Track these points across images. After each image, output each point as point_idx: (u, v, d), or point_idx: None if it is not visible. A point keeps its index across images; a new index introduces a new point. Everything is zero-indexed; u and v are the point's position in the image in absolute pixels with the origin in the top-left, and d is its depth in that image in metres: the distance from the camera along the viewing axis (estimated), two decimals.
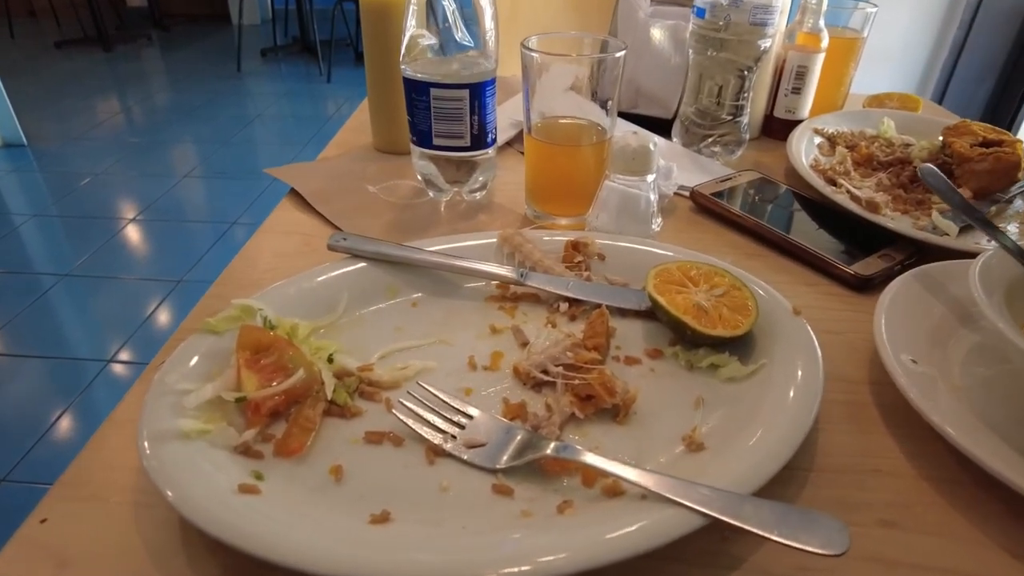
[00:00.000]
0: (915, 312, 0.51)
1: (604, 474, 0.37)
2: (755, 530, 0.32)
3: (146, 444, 0.37)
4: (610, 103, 0.61)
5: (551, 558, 0.31)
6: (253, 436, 0.40)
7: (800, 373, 0.44)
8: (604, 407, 0.43)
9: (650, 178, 0.58)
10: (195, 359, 0.44)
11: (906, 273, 0.54)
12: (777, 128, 0.91)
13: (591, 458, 0.37)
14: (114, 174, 2.95)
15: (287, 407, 0.42)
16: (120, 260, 2.33)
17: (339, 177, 0.74)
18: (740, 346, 0.48)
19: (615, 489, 0.37)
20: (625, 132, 0.58)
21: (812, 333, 0.47)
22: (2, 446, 1.58)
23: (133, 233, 2.51)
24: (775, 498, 0.35)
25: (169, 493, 0.34)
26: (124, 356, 1.87)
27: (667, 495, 0.34)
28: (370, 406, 0.43)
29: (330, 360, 0.45)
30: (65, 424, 1.65)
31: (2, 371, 1.81)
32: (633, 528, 0.33)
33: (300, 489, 0.37)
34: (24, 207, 2.67)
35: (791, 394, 0.42)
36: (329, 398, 0.42)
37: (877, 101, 0.98)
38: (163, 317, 2.05)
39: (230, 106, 3.82)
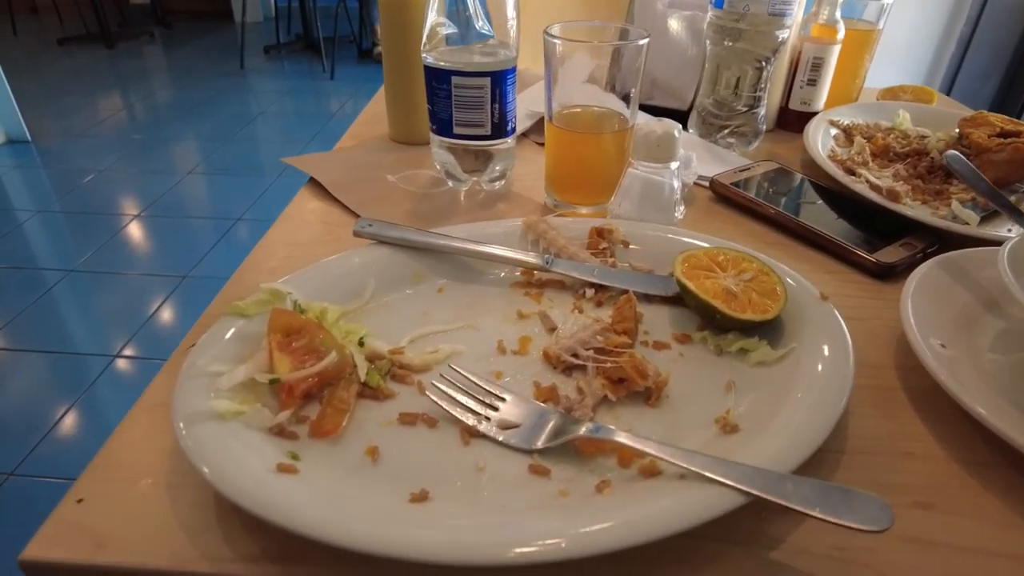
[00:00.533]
0: (941, 298, 0.51)
1: (641, 454, 0.37)
2: (798, 507, 0.32)
3: (181, 424, 0.37)
4: (632, 92, 0.61)
5: (590, 529, 0.31)
6: (288, 417, 0.40)
7: (830, 355, 0.44)
8: (636, 390, 0.42)
9: (674, 165, 0.58)
10: (226, 341, 0.44)
11: (931, 260, 0.54)
12: (792, 120, 0.91)
13: (627, 437, 0.37)
14: (117, 171, 2.94)
15: (320, 389, 0.42)
16: (124, 256, 2.33)
17: (357, 167, 0.74)
18: (769, 331, 0.48)
19: (652, 469, 0.37)
20: (649, 119, 0.58)
21: (840, 317, 0.47)
22: (8, 441, 1.58)
23: (137, 230, 2.51)
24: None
25: (206, 470, 0.34)
26: (129, 352, 1.87)
27: (706, 473, 0.34)
28: (402, 388, 0.43)
29: (361, 343, 0.45)
30: (70, 419, 1.65)
31: (7, 366, 1.81)
32: (673, 506, 0.33)
33: (337, 469, 0.37)
34: (28, 203, 2.66)
35: (823, 376, 0.42)
36: (362, 380, 0.42)
37: (891, 94, 0.98)
38: (167, 313, 2.05)
39: (233, 103, 3.82)
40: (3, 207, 2.62)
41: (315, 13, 4.49)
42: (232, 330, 0.44)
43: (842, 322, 0.47)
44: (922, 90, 0.97)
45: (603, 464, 0.38)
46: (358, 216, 0.65)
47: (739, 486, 0.34)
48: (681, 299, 0.50)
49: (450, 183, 0.70)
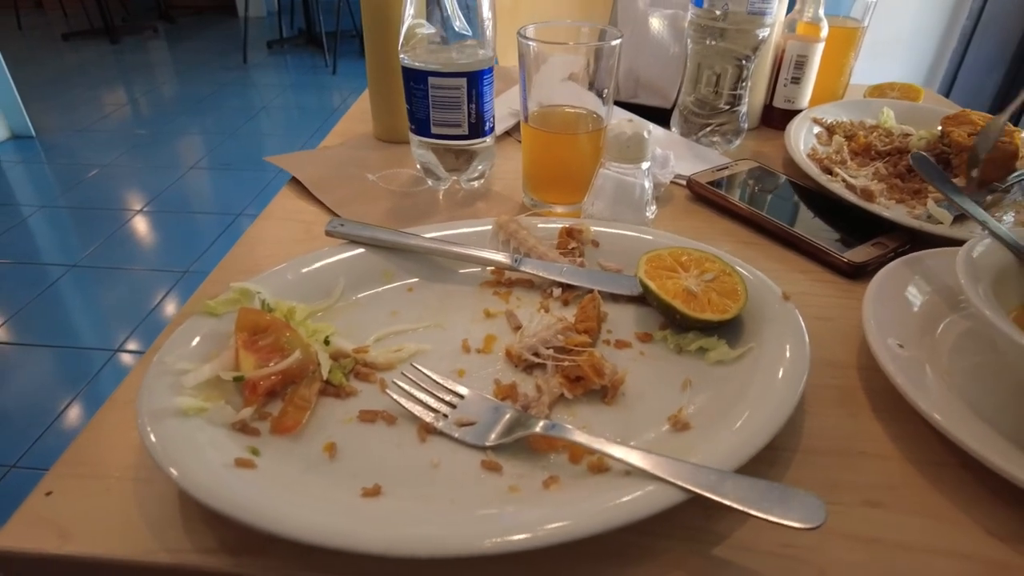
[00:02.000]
0: (904, 298, 0.52)
1: (590, 451, 0.38)
2: (733, 504, 0.33)
3: (146, 421, 0.38)
4: (606, 92, 0.62)
5: (533, 533, 0.32)
6: (250, 414, 0.41)
7: (787, 355, 0.44)
8: (593, 388, 0.43)
9: (645, 166, 0.59)
10: (194, 340, 0.45)
11: (896, 260, 0.55)
12: (776, 118, 0.92)
13: (577, 435, 0.38)
14: (121, 166, 2.96)
15: (283, 386, 0.43)
16: (127, 251, 2.35)
17: (339, 165, 0.75)
18: (729, 330, 0.48)
19: (600, 466, 0.38)
20: (620, 120, 0.59)
21: (800, 317, 0.48)
22: (10, 434, 1.60)
23: (140, 224, 2.53)
24: (761, 478, 0.36)
25: (168, 467, 0.35)
26: (131, 346, 1.89)
27: (649, 471, 0.35)
28: (365, 387, 0.44)
29: (326, 342, 0.46)
30: (72, 412, 1.67)
31: (10, 360, 1.83)
32: (615, 502, 0.34)
33: (295, 465, 0.38)
34: (32, 198, 2.69)
35: (778, 375, 0.43)
36: (325, 378, 0.43)
37: (879, 91, 0.98)
38: (169, 307, 2.07)
39: (236, 97, 3.84)
40: (7, 202, 2.64)
41: (317, 8, 4.50)
42: (201, 329, 0.45)
43: (801, 321, 0.47)
44: (909, 87, 0.97)
45: (554, 461, 0.39)
46: (337, 215, 0.66)
47: (680, 483, 0.34)
48: (645, 299, 0.51)
49: (430, 182, 0.71)
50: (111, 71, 4.24)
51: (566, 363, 0.44)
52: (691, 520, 0.37)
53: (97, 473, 0.40)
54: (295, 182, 0.72)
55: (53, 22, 5.17)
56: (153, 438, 0.37)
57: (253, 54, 4.54)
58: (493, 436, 0.40)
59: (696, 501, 0.34)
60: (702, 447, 0.38)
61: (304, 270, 0.52)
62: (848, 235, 0.64)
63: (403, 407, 0.42)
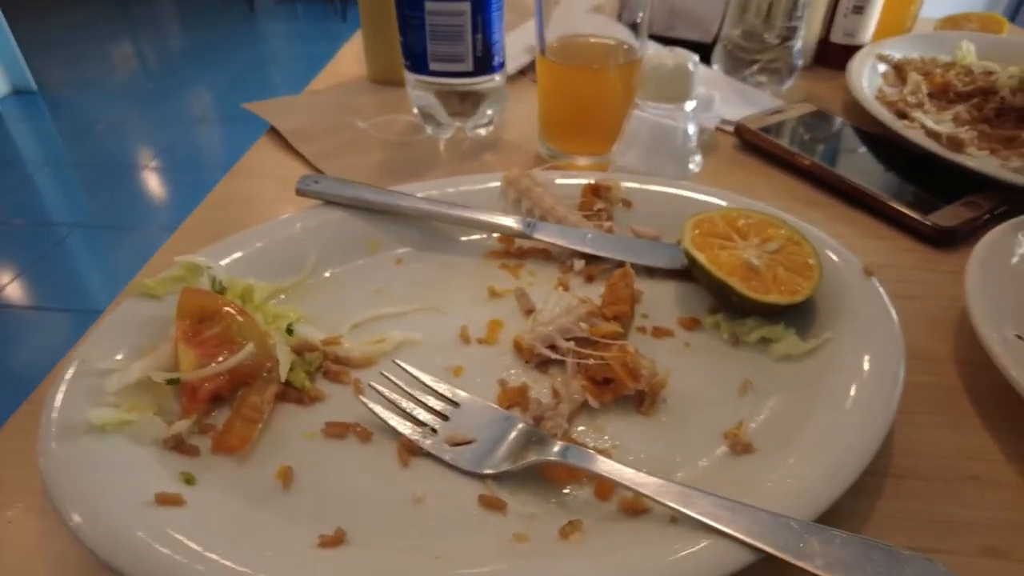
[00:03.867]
0: (1016, 274, 0.41)
1: (622, 486, 0.28)
2: None
3: (48, 440, 0.29)
4: (640, 17, 0.50)
5: None
6: (187, 427, 0.32)
7: (872, 351, 0.35)
8: (625, 394, 0.34)
9: (688, 106, 0.48)
10: (126, 331, 0.36)
11: (1003, 224, 0.45)
12: (834, 55, 0.80)
13: (605, 465, 0.29)
14: (127, 121, 2.88)
15: (232, 390, 0.34)
16: (135, 208, 2.28)
17: (326, 112, 0.65)
18: (798, 315, 0.39)
19: (636, 506, 0.29)
20: (659, 50, 0.48)
21: (887, 299, 0.38)
22: (14, 396, 1.56)
23: (147, 180, 2.46)
24: (841, 513, 0.28)
25: (74, 515, 0.26)
26: None
27: (705, 520, 0.26)
28: (336, 389, 0.36)
29: (289, 331, 0.37)
30: None
31: (16, 321, 1.79)
32: (660, 563, 0.25)
33: (237, 498, 0.30)
34: (37, 155, 2.62)
35: (864, 379, 0.33)
36: (283, 379, 0.34)
37: (952, 23, 0.85)
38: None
39: (244, 49, 3.71)
40: (11, 159, 2.57)
41: None
42: (135, 316, 0.37)
43: (890, 306, 0.37)
44: (990, 18, 0.84)
45: (575, 496, 0.30)
46: (319, 171, 0.56)
47: (747, 539, 0.25)
48: (691, 273, 0.41)
49: (429, 129, 0.61)
50: (115, 23, 4.13)
51: (591, 361, 0.34)
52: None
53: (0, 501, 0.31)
54: (275, 132, 0.63)
55: None
56: (51, 465, 0.28)
57: (261, 3, 4.38)
58: (495, 460, 0.31)
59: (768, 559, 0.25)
60: (769, 479, 0.29)
61: (267, 239, 0.42)
62: (930, 193, 0.54)
63: (380, 419, 0.32)
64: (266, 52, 3.68)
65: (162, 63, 3.57)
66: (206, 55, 3.62)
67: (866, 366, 0.34)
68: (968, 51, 0.75)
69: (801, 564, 0.24)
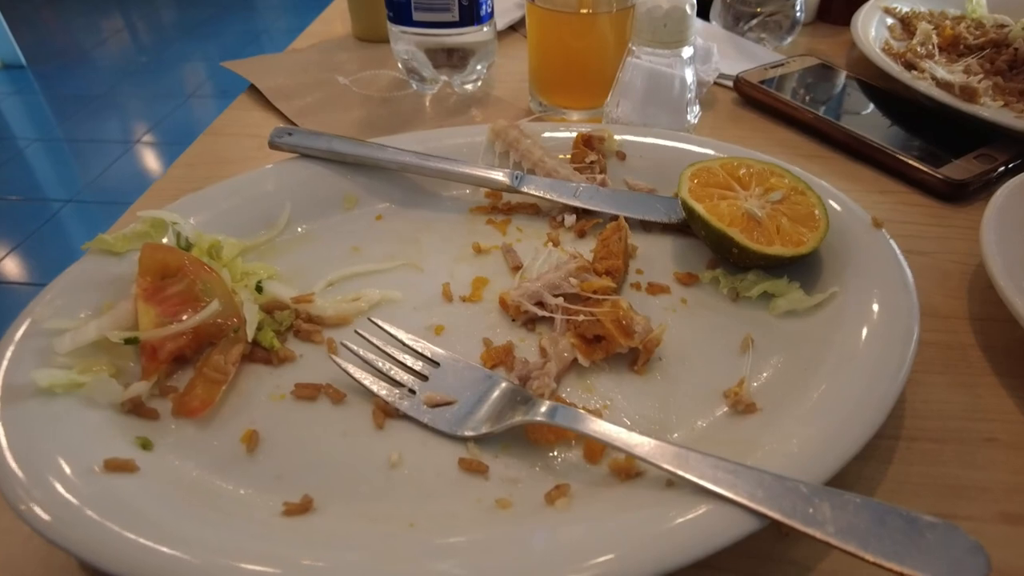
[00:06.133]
0: None
1: (613, 447, 0.26)
2: (839, 544, 0.21)
3: None
4: None
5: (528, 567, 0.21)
6: (146, 389, 0.30)
7: (883, 306, 0.32)
8: (618, 352, 0.32)
9: (686, 53, 0.45)
10: (81, 288, 0.33)
11: (1019, 176, 0.42)
12: (837, 9, 0.77)
13: (596, 425, 0.26)
14: (118, 95, 2.83)
15: (196, 350, 0.32)
16: (128, 183, 2.25)
17: (307, 69, 0.62)
18: (803, 269, 0.36)
19: (628, 469, 0.27)
20: None
21: (899, 251, 0.35)
22: None
23: (140, 155, 2.42)
24: (848, 479, 0.26)
25: (15, 488, 0.24)
26: None
27: (703, 483, 0.24)
28: (307, 349, 0.33)
29: (258, 289, 0.35)
30: None
31: (8, 299, 1.76)
32: (654, 531, 0.23)
33: (196, 464, 0.27)
34: (27, 130, 2.58)
35: (875, 334, 0.31)
36: (251, 339, 0.32)
37: None
38: None
39: (237, 21, 3.64)
40: (1, 135, 2.53)
41: None
42: (93, 273, 0.34)
43: (901, 257, 0.35)
44: None
45: (562, 459, 0.28)
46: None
47: (751, 504, 0.23)
48: (688, 227, 0.39)
49: (415, 85, 0.58)
50: None
51: (581, 317, 0.32)
52: (758, 546, 0.26)
53: None
54: (254, 91, 0.60)
55: None
56: None
57: None
58: (477, 421, 0.28)
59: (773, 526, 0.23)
60: (773, 440, 0.27)
61: (239, 194, 0.40)
62: (939, 146, 0.51)
63: (354, 379, 0.30)
64: (259, 24, 3.61)
65: (153, 36, 3.50)
66: (198, 28, 3.55)
67: (877, 321, 0.32)
68: (979, 3, 0.72)
69: (811, 531, 0.22)
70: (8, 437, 0.26)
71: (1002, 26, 0.68)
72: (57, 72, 3.02)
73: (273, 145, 0.43)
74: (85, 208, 2.13)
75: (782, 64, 0.61)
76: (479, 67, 0.57)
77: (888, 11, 0.72)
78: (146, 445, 0.28)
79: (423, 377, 0.31)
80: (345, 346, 0.32)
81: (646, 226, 0.41)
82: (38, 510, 0.23)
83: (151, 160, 2.42)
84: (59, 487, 0.24)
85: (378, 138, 0.44)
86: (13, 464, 0.25)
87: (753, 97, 0.57)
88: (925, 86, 0.56)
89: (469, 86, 0.58)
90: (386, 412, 0.29)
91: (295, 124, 0.54)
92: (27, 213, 2.10)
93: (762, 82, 0.57)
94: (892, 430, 0.31)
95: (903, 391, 0.32)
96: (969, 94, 0.53)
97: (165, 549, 0.22)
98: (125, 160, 2.39)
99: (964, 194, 0.47)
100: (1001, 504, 0.28)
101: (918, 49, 0.62)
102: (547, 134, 0.45)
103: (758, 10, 0.68)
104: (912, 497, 0.28)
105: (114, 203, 2.15)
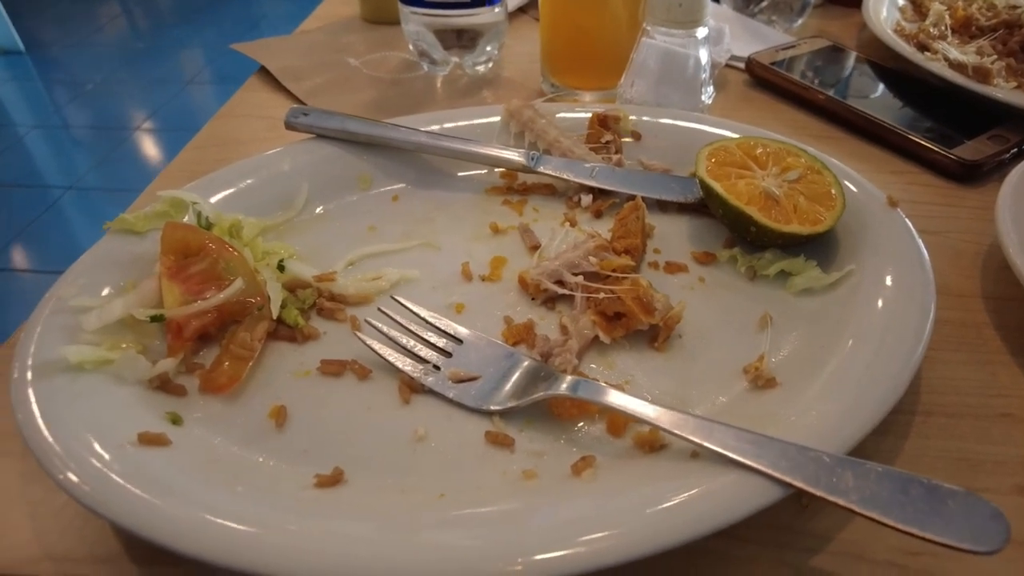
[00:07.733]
0: None
1: (637, 420, 0.27)
2: (862, 511, 0.22)
3: (23, 380, 0.28)
4: None
5: (561, 550, 0.21)
6: (172, 366, 0.30)
7: (900, 282, 0.33)
8: (638, 328, 0.32)
9: (700, 33, 0.45)
10: (105, 268, 0.34)
11: None
12: None
13: (619, 398, 0.27)
14: (117, 81, 2.81)
15: (220, 328, 0.33)
16: (128, 169, 2.24)
17: (316, 51, 0.62)
18: (819, 248, 0.37)
19: (653, 442, 0.27)
20: None
21: (914, 230, 0.35)
22: None
23: (140, 141, 2.41)
24: (866, 452, 0.26)
25: (52, 457, 0.25)
26: None
27: (728, 454, 0.24)
28: (330, 327, 0.34)
29: (280, 268, 0.35)
30: None
31: (10, 285, 1.77)
32: (677, 501, 0.23)
33: (226, 438, 0.28)
34: (26, 117, 2.57)
35: (891, 310, 0.32)
36: (275, 317, 0.32)
37: None
38: None
39: (236, 7, 3.61)
40: (0, 122, 2.52)
41: None
42: (116, 252, 0.35)
43: (917, 237, 0.35)
44: None
45: (586, 432, 0.28)
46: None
47: (775, 474, 0.23)
48: (705, 206, 0.40)
49: (425, 67, 0.58)
50: None
51: (601, 295, 0.32)
52: (779, 517, 0.26)
53: None
54: (264, 73, 0.60)
55: None
56: (31, 402, 0.26)
57: None
58: (502, 396, 0.29)
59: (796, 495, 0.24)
60: (794, 414, 0.27)
61: (256, 175, 0.40)
62: (952, 127, 0.51)
63: (379, 356, 0.31)
64: (258, 11, 3.58)
65: (151, 22, 3.48)
66: (196, 14, 3.52)
67: (893, 298, 0.32)
68: None
69: (834, 499, 0.23)
70: (42, 411, 0.26)
71: (1015, 7, 0.68)
72: (56, 58, 3.00)
73: (289, 125, 0.43)
74: (85, 195, 2.12)
75: (793, 46, 0.61)
76: (489, 48, 0.57)
77: None
78: (176, 420, 0.28)
79: (447, 354, 0.31)
80: (369, 323, 0.32)
81: (663, 206, 0.41)
82: (75, 479, 0.24)
83: (150, 146, 2.41)
84: (93, 460, 0.25)
85: (393, 118, 0.44)
86: (49, 437, 0.25)
87: (765, 78, 0.57)
88: (938, 67, 0.55)
89: (480, 68, 0.58)
90: (411, 387, 0.30)
91: (305, 105, 0.54)
92: (27, 200, 2.09)
93: (773, 64, 0.57)
94: (909, 405, 0.31)
95: (919, 367, 0.32)
96: (982, 75, 0.53)
97: (209, 516, 0.23)
98: (125, 147, 2.38)
99: (977, 175, 0.47)
100: (1017, 477, 0.29)
101: (931, 30, 0.62)
102: (561, 114, 0.45)
103: None
104: (929, 470, 0.29)
105: (115, 189, 2.14)
